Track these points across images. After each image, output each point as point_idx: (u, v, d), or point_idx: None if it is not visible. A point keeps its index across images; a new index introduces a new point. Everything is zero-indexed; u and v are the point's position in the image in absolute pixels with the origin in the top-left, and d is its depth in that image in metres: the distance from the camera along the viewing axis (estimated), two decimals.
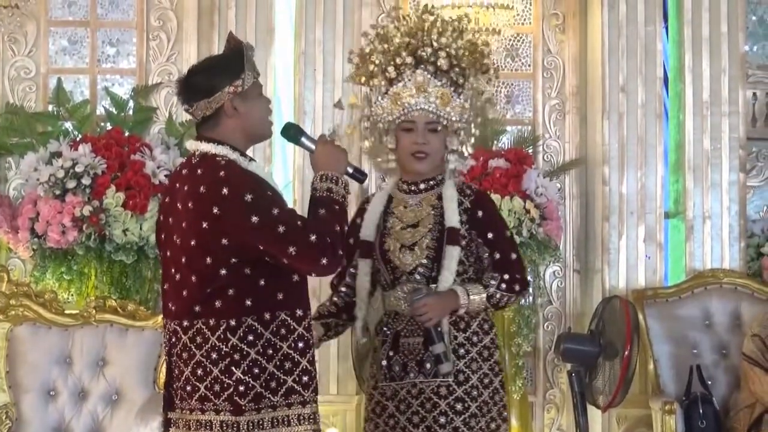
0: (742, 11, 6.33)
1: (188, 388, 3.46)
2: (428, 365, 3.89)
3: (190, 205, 3.43)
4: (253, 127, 3.54)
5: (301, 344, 3.44)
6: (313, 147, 3.64)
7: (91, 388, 5.12)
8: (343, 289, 4.12)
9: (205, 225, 3.38)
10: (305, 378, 3.45)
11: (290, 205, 3.58)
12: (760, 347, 5.38)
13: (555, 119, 6.51)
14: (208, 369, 3.41)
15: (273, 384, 3.40)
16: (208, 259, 3.39)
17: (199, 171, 3.45)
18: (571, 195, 6.45)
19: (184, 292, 3.45)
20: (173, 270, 3.50)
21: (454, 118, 3.96)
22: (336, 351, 5.93)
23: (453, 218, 3.92)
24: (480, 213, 3.96)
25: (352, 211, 3.82)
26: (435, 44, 3.95)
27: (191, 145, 3.53)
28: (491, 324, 4.02)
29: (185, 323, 3.45)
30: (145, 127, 6.15)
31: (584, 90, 6.45)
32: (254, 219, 3.32)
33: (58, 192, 5.69)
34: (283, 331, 3.42)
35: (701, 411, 5.42)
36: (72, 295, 5.75)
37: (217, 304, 3.39)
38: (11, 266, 5.95)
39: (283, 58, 6.47)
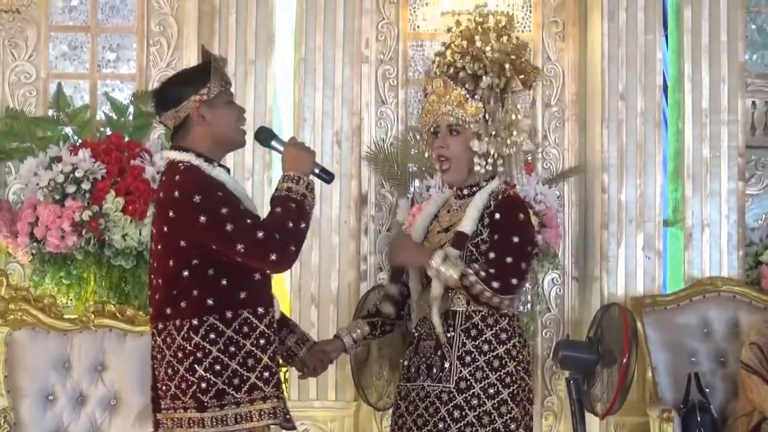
0: (742, 20, 6.34)
1: (164, 387, 3.59)
2: (434, 369, 3.89)
3: (155, 211, 3.64)
4: (222, 134, 3.67)
5: (262, 341, 3.56)
6: (281, 149, 3.75)
7: (89, 393, 5.12)
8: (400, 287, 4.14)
9: (165, 229, 3.55)
10: (266, 374, 3.55)
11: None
12: (758, 355, 5.38)
13: (554, 127, 6.51)
14: (175, 368, 3.54)
15: (236, 381, 3.51)
16: (171, 262, 3.54)
17: (163, 178, 3.64)
18: (570, 202, 6.45)
19: (157, 296, 3.61)
20: (152, 275, 3.66)
21: (469, 120, 3.96)
22: None
23: (466, 224, 3.92)
24: (497, 216, 3.92)
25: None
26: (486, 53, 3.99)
27: (163, 154, 3.67)
28: (511, 334, 3.92)
29: (159, 326, 3.59)
30: (144, 132, 6.15)
31: (584, 98, 6.46)
32: (202, 219, 3.46)
33: (57, 197, 5.69)
34: (245, 328, 3.54)
35: (699, 419, 5.42)
36: (71, 299, 5.76)
37: (182, 305, 3.53)
38: (10, 271, 5.95)
39: (283, 64, 6.48)
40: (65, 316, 5.27)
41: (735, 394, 5.60)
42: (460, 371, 3.86)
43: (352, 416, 6.03)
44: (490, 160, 3.98)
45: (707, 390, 5.59)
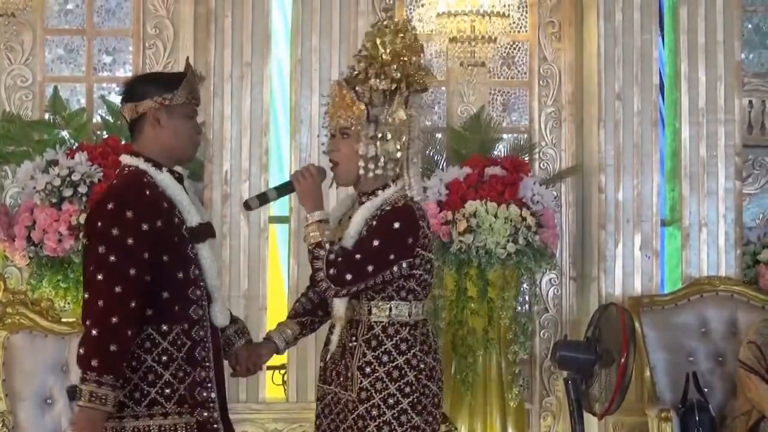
0: (738, 19, 6.34)
1: None
2: (341, 377, 3.89)
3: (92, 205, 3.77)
4: (171, 144, 3.69)
5: (164, 358, 3.58)
6: (277, 195, 3.94)
7: None
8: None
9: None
10: (167, 390, 3.58)
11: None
12: (756, 354, 5.38)
13: (551, 127, 6.51)
14: None
15: (137, 395, 3.56)
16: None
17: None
18: (567, 203, 6.45)
19: None
20: None
21: (355, 122, 3.91)
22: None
23: (345, 241, 3.84)
24: (374, 223, 3.86)
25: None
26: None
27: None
28: (411, 344, 3.86)
29: None
30: None
31: (580, 98, 6.46)
32: (100, 249, 3.50)
33: (54, 200, 5.69)
34: (147, 344, 3.57)
35: (697, 418, 5.42)
36: (68, 303, 5.76)
37: None
38: (7, 274, 5.94)
39: (279, 66, 6.48)
40: (63, 320, 5.25)
41: (733, 393, 5.60)
42: (361, 381, 3.83)
43: None
44: (380, 164, 3.89)
45: (705, 389, 5.59)
